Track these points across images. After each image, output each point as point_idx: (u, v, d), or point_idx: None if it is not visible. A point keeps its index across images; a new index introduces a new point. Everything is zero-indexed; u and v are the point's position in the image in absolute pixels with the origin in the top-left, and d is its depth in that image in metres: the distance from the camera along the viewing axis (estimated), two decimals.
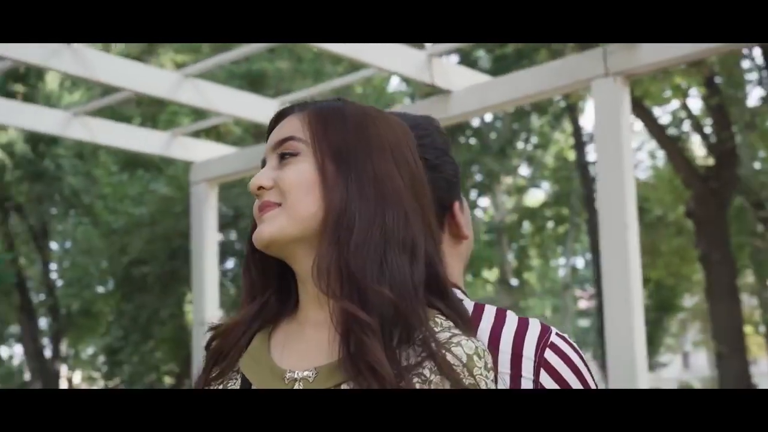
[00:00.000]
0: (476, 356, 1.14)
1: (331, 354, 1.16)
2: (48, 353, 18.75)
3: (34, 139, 15.47)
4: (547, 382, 1.28)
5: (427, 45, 4.26)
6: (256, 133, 13.18)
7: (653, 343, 21.30)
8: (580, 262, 24.60)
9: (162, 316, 13.81)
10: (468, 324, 1.22)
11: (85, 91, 15.65)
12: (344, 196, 1.17)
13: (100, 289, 17.45)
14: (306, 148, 1.21)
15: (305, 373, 1.16)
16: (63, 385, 21.22)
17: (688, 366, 37.22)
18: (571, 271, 23.19)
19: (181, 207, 13.83)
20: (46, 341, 19.16)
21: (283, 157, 1.22)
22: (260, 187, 1.22)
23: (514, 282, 22.03)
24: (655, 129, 12.53)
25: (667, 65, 4.06)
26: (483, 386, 1.14)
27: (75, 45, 3.98)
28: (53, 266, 19.56)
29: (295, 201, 1.18)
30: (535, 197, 23.30)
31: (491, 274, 22.43)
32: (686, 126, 14.06)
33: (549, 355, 1.29)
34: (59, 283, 19.33)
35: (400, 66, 4.24)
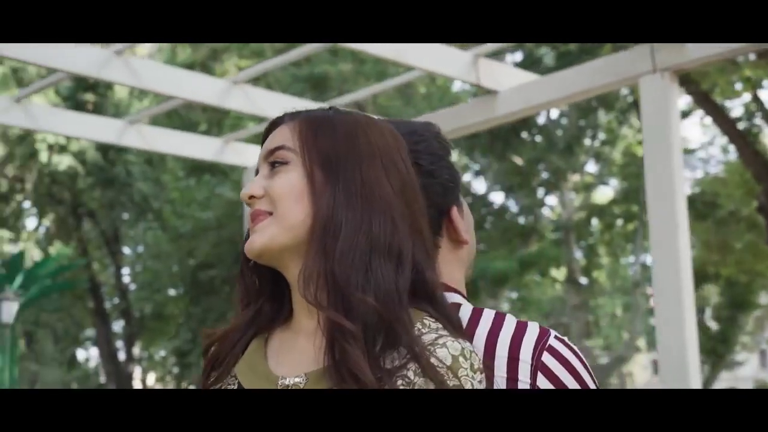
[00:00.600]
0: (462, 357, 1.14)
1: (320, 361, 1.17)
2: (122, 356, 19.17)
3: (105, 146, 15.83)
4: (545, 386, 1.27)
5: (473, 45, 4.23)
6: None
7: (728, 342, 20.83)
8: (650, 260, 24.16)
9: (229, 319, 13.97)
10: (457, 326, 1.21)
11: (153, 99, 15.96)
12: (331, 204, 1.18)
13: (171, 292, 17.76)
14: (295, 157, 1.22)
15: (296, 380, 1.18)
16: (137, 386, 21.65)
17: (766, 365, 36.33)
18: (642, 269, 22.81)
19: (243, 210, 13.98)
20: (120, 344, 19.59)
21: (273, 165, 1.24)
22: (251, 197, 1.23)
23: (583, 281, 21.77)
24: (724, 123, 12.25)
25: (716, 59, 3.97)
26: (468, 387, 1.14)
27: (126, 55, 4.06)
28: (126, 270, 19.99)
29: (284, 209, 1.20)
30: (604, 194, 22.98)
31: (559, 274, 22.20)
32: (758, 119, 13.72)
33: (546, 358, 1.28)
34: (132, 287, 19.75)
35: (445, 67, 4.23)
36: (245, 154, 5.34)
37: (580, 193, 21.89)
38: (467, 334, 1.30)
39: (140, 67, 4.15)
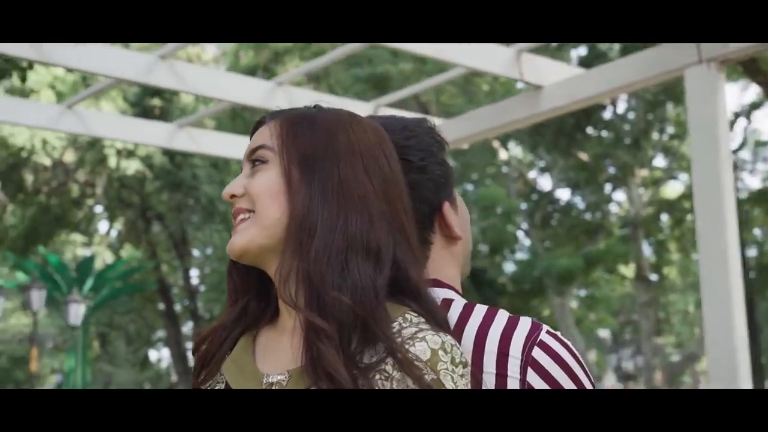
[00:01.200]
0: (441, 351, 1.13)
1: (300, 359, 1.17)
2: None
3: (171, 150, 16.11)
4: (535, 381, 1.24)
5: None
6: None
7: None
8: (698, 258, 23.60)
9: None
10: (441, 321, 1.20)
11: (218, 102, 16.14)
12: (306, 202, 1.18)
13: None
14: (274, 156, 1.22)
15: (279, 377, 1.19)
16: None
17: None
18: None
19: None
20: (190, 345, 19.90)
21: (254, 164, 1.25)
22: (232, 195, 1.24)
23: (653, 277, 21.40)
24: None
25: (763, 48, 3.85)
26: (447, 381, 1.12)
27: (170, 59, 4.11)
28: (194, 272, 20.31)
29: (261, 208, 1.20)
30: (673, 189, 22.55)
31: (628, 271, 21.86)
32: None
33: (537, 353, 1.25)
34: (201, 288, 20.05)
35: (487, 63, 4.18)
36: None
37: (648, 189, 21.52)
38: (457, 329, 1.29)
39: (185, 71, 4.20)
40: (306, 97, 4.60)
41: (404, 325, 1.16)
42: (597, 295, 21.69)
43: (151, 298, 19.71)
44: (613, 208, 21.46)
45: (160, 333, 23.13)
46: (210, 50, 21.10)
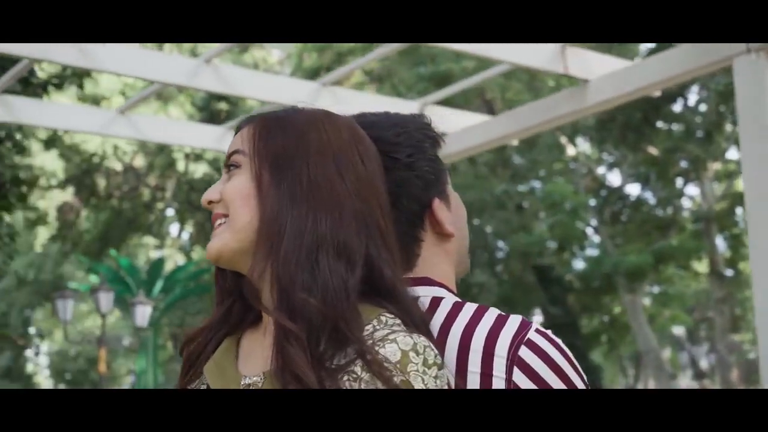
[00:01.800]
0: (413, 352, 1.11)
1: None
2: None
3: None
4: (522, 381, 1.22)
5: None
6: None
7: None
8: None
9: None
10: (418, 322, 1.19)
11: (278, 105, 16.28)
12: (275, 204, 1.18)
13: None
14: (247, 160, 1.23)
15: (255, 379, 1.19)
16: None
17: None
18: None
19: None
20: None
21: (229, 170, 1.26)
22: (210, 201, 1.26)
23: (728, 273, 20.89)
24: None
25: None
26: (417, 383, 1.11)
27: (214, 62, 4.16)
28: None
29: (233, 212, 1.21)
30: None
31: (702, 266, 21.38)
32: None
33: (524, 352, 1.23)
34: None
35: (531, 58, 4.13)
36: None
37: (722, 182, 21.02)
38: (444, 329, 1.27)
39: (228, 74, 4.24)
40: (351, 98, 4.62)
41: (378, 327, 1.15)
42: (670, 292, 21.25)
43: None
44: (685, 202, 21.02)
45: None
46: (275, 54, 21.33)
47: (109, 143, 16.77)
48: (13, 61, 4.36)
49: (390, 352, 1.11)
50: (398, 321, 1.17)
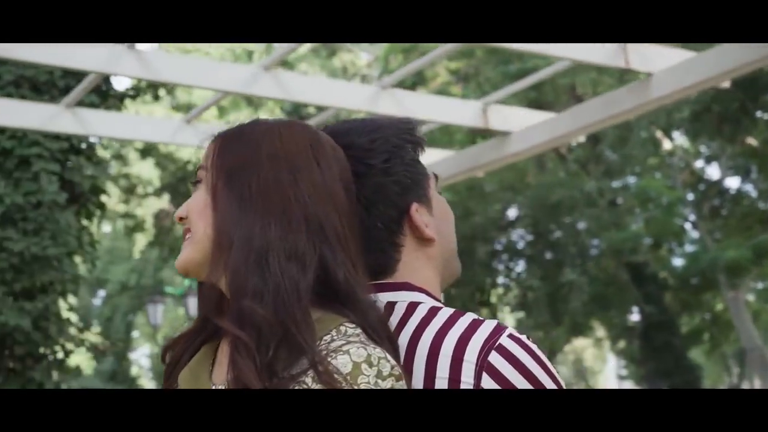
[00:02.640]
0: (365, 364, 1.11)
1: None
2: None
3: None
4: (490, 387, 1.20)
5: None
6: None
7: None
8: None
9: None
10: (378, 332, 1.18)
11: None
12: (226, 213, 1.20)
13: None
14: (206, 174, 1.27)
15: (221, 387, 1.22)
16: None
17: None
18: None
19: (459, 211, 14.09)
20: None
21: (195, 186, 1.30)
22: (180, 218, 1.29)
23: None
24: None
25: None
26: None
27: (274, 69, 4.21)
28: None
29: (193, 226, 1.25)
30: None
31: None
32: None
33: (494, 357, 1.21)
34: None
35: (592, 54, 4.05)
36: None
37: None
38: (415, 335, 1.26)
39: (288, 80, 4.29)
40: (409, 99, 4.61)
41: (336, 337, 1.15)
42: None
43: None
44: None
45: None
46: (363, 57, 21.44)
47: (203, 151, 17.11)
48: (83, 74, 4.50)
49: (341, 363, 1.10)
50: (358, 331, 1.16)
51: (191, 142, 4.69)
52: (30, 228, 7.26)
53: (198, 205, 1.24)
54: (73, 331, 8.04)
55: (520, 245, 15.53)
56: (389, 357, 1.13)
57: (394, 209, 1.36)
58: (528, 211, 15.29)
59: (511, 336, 1.24)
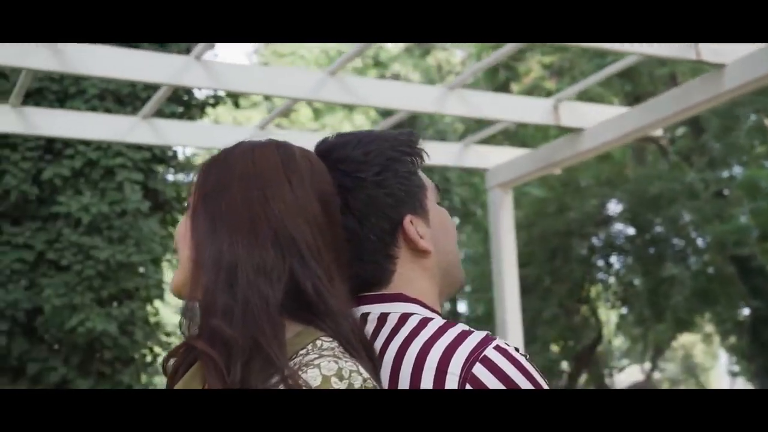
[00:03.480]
0: (336, 378, 1.11)
1: None
2: None
3: None
4: None
5: None
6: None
7: None
8: None
9: (545, 317, 13.95)
10: (353, 342, 1.20)
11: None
12: (200, 235, 1.24)
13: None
14: (191, 200, 1.31)
15: None
16: None
17: None
18: None
19: (554, 207, 13.90)
20: None
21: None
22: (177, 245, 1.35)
23: None
24: None
25: None
26: None
27: (339, 73, 4.25)
28: None
29: (179, 251, 1.30)
30: None
31: None
32: None
33: (478, 369, 1.21)
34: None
35: (662, 48, 3.95)
36: (486, 156, 5.35)
37: None
38: (403, 347, 1.27)
39: (355, 84, 4.31)
40: (477, 99, 4.58)
41: (311, 351, 1.16)
42: None
43: None
44: None
45: None
46: (458, 54, 21.35)
47: None
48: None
49: (311, 377, 1.11)
50: (334, 345, 1.18)
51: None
52: (115, 236, 7.54)
53: (180, 230, 1.29)
54: (162, 335, 8.28)
55: (619, 240, 15.20)
56: (362, 370, 1.14)
57: (387, 221, 1.37)
58: (627, 205, 14.96)
59: (497, 348, 1.23)
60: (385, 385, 1.26)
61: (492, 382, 1.20)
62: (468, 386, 1.20)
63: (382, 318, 1.33)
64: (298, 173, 1.28)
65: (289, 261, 1.20)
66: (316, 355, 1.15)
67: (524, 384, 1.22)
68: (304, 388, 1.10)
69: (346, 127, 16.94)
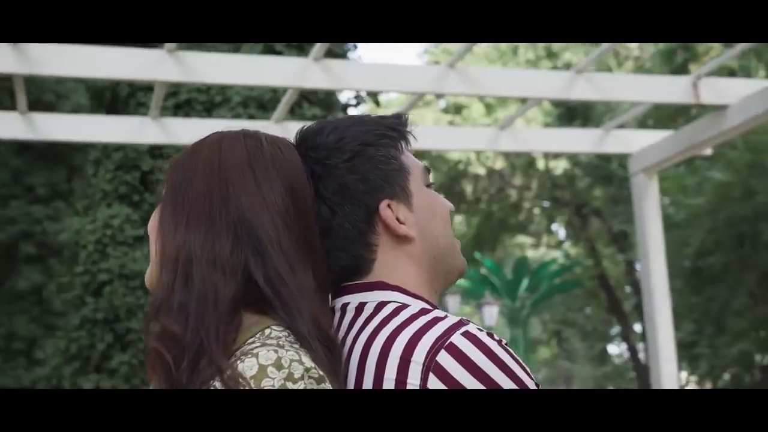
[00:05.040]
0: (273, 367, 1.08)
1: None
2: (642, 354, 19.09)
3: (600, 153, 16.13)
4: (436, 387, 1.14)
5: None
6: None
7: None
8: None
9: (735, 307, 13.22)
10: (308, 336, 1.16)
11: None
12: (165, 229, 1.23)
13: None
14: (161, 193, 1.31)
15: None
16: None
17: None
18: None
19: (739, 192, 13.19)
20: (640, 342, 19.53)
21: None
22: None
23: None
24: None
25: None
26: None
27: (459, 66, 4.20)
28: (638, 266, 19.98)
29: (151, 245, 1.30)
30: None
31: None
32: None
33: (443, 357, 1.14)
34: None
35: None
36: (627, 141, 5.14)
37: None
38: (372, 334, 1.23)
39: (478, 75, 4.26)
40: (607, 81, 4.40)
41: (257, 340, 1.14)
42: None
43: (594, 294, 19.71)
44: None
45: (617, 328, 23.04)
46: (634, 51, 20.67)
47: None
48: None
49: (248, 366, 1.09)
50: (283, 334, 1.15)
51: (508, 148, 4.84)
52: None
53: (150, 226, 1.29)
54: None
55: None
56: (306, 359, 1.10)
57: (362, 208, 1.32)
58: None
59: (465, 333, 1.16)
60: (352, 375, 1.21)
61: (457, 371, 1.13)
62: (431, 375, 1.14)
63: (360, 307, 1.29)
64: (263, 163, 1.25)
65: (245, 253, 1.18)
66: (259, 344, 1.12)
67: (494, 372, 1.14)
68: (239, 378, 1.07)
69: (519, 123, 16.73)
